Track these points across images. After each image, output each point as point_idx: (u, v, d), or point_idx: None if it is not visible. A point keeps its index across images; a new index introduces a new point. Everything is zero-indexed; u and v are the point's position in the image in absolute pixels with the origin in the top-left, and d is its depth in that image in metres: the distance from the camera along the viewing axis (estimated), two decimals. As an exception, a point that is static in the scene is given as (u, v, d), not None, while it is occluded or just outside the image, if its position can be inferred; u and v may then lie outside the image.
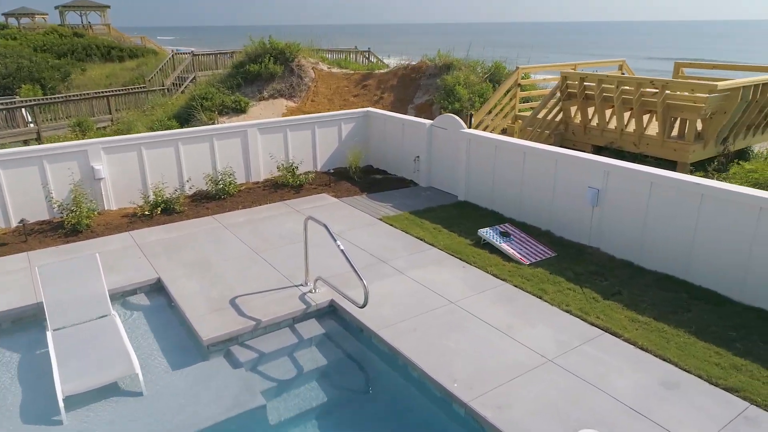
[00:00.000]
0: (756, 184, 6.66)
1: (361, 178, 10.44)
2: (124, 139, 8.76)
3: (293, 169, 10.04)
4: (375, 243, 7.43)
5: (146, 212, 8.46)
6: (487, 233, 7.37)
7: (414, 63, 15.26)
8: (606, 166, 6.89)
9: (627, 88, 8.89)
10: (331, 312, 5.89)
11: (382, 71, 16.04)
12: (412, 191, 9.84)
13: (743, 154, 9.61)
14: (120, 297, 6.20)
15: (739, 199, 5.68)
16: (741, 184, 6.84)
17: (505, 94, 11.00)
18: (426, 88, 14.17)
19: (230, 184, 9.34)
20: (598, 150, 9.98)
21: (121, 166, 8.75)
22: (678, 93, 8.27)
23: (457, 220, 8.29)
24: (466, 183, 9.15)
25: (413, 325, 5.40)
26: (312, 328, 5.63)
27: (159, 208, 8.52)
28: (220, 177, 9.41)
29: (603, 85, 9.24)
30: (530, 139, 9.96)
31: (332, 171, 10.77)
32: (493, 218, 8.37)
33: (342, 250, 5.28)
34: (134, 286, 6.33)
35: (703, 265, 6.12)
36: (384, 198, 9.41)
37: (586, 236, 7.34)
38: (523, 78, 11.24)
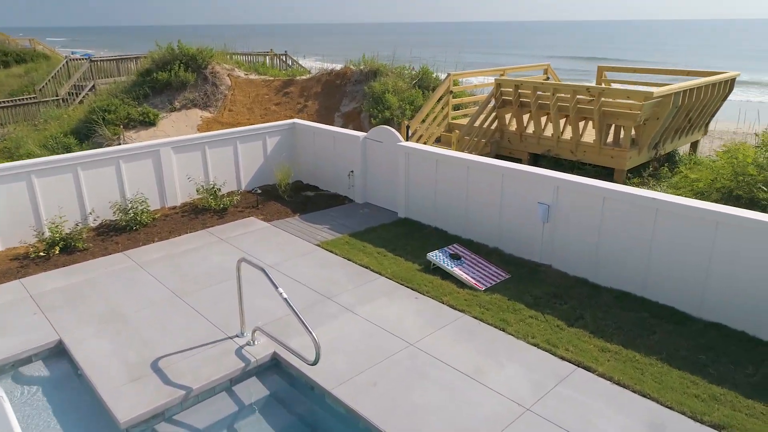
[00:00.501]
0: (698, 193, 6.63)
1: (291, 196, 9.64)
2: (8, 167, 7.42)
3: (215, 191, 9.07)
4: (315, 275, 6.71)
5: (41, 252, 7.22)
6: (436, 257, 6.87)
7: (338, 69, 14.57)
8: (556, 181, 6.60)
9: (563, 95, 8.75)
10: (274, 367, 5.12)
11: (304, 77, 15.21)
12: (348, 209, 9.18)
13: (671, 158, 9.80)
14: (10, 369, 5.08)
15: (694, 213, 5.53)
16: (686, 194, 6.80)
17: (438, 102, 10.62)
18: (352, 95, 13.54)
19: (143, 212, 8.23)
20: (535, 158, 9.82)
21: (7, 198, 7.42)
22: (614, 100, 8.22)
23: (401, 241, 7.74)
24: (406, 199, 8.63)
25: (372, 376, 4.76)
26: (253, 390, 4.84)
27: (57, 247, 7.30)
28: (130, 205, 8.27)
29: (538, 93, 9.05)
30: (468, 149, 9.62)
31: (259, 190, 9.88)
32: (438, 237, 7.90)
33: (285, 299, 4.54)
34: (28, 352, 5.22)
35: (660, 282, 5.95)
36: (319, 219, 8.68)
37: (537, 253, 7.03)
38: (454, 84, 10.91)
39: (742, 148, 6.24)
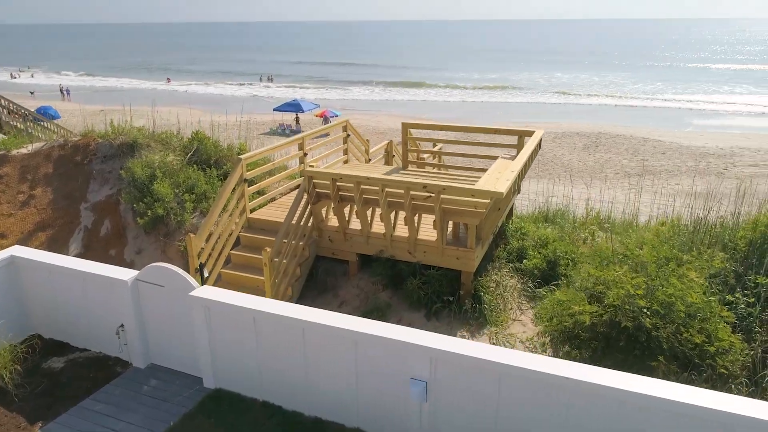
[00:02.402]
0: (584, 327, 5.61)
1: (22, 382, 6.21)
2: None
3: None
4: None
5: None
6: (287, 498, 4.57)
7: (76, 139, 10.74)
8: (431, 352, 4.88)
9: (394, 190, 7.12)
10: None
11: (24, 151, 10.90)
12: (125, 386, 6.21)
13: (501, 233, 8.99)
14: None
15: (624, 397, 4.33)
16: (566, 324, 5.73)
17: (232, 192, 8.12)
18: (104, 176, 10.03)
19: None
20: (366, 259, 8.07)
21: None
22: (456, 198, 6.88)
23: (221, 455, 5.21)
24: (214, 361, 6.09)
25: None
26: None
27: None
28: None
29: (363, 187, 7.28)
30: (286, 256, 7.40)
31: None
32: (272, 422, 5.60)
33: None
34: None
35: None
36: (79, 428, 5.57)
37: (416, 435, 5.26)
38: (249, 168, 8.47)
39: (628, 279, 5.42)
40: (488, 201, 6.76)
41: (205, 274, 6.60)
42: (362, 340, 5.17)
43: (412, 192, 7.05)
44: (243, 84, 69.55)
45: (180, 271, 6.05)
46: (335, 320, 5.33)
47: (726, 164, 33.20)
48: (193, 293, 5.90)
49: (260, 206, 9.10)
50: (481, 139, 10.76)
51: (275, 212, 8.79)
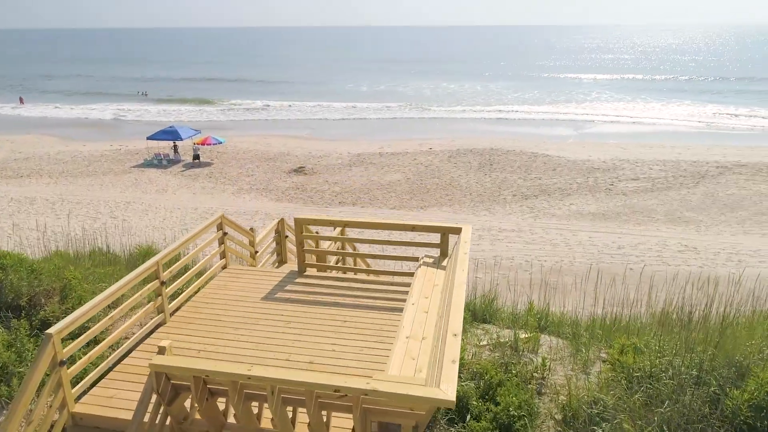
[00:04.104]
0: None
1: None
2: None
3: None
4: None
5: None
6: None
7: None
8: None
9: (290, 387, 4.80)
10: None
11: None
12: None
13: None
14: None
15: None
16: None
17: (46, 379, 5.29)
18: None
19: None
20: (256, 465, 5.61)
21: None
22: (385, 399, 4.72)
23: None
24: None
25: None
26: None
27: None
28: None
29: (241, 382, 4.88)
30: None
31: None
32: None
33: None
34: None
35: None
36: None
37: None
38: (68, 338, 5.64)
39: None
40: (432, 400, 4.65)
41: None
42: None
43: (318, 391, 4.76)
44: (100, 106, 62.01)
45: None
46: None
47: (612, 179, 34.31)
48: None
49: (102, 376, 6.26)
50: (394, 234, 8.80)
51: (118, 394, 6.02)
